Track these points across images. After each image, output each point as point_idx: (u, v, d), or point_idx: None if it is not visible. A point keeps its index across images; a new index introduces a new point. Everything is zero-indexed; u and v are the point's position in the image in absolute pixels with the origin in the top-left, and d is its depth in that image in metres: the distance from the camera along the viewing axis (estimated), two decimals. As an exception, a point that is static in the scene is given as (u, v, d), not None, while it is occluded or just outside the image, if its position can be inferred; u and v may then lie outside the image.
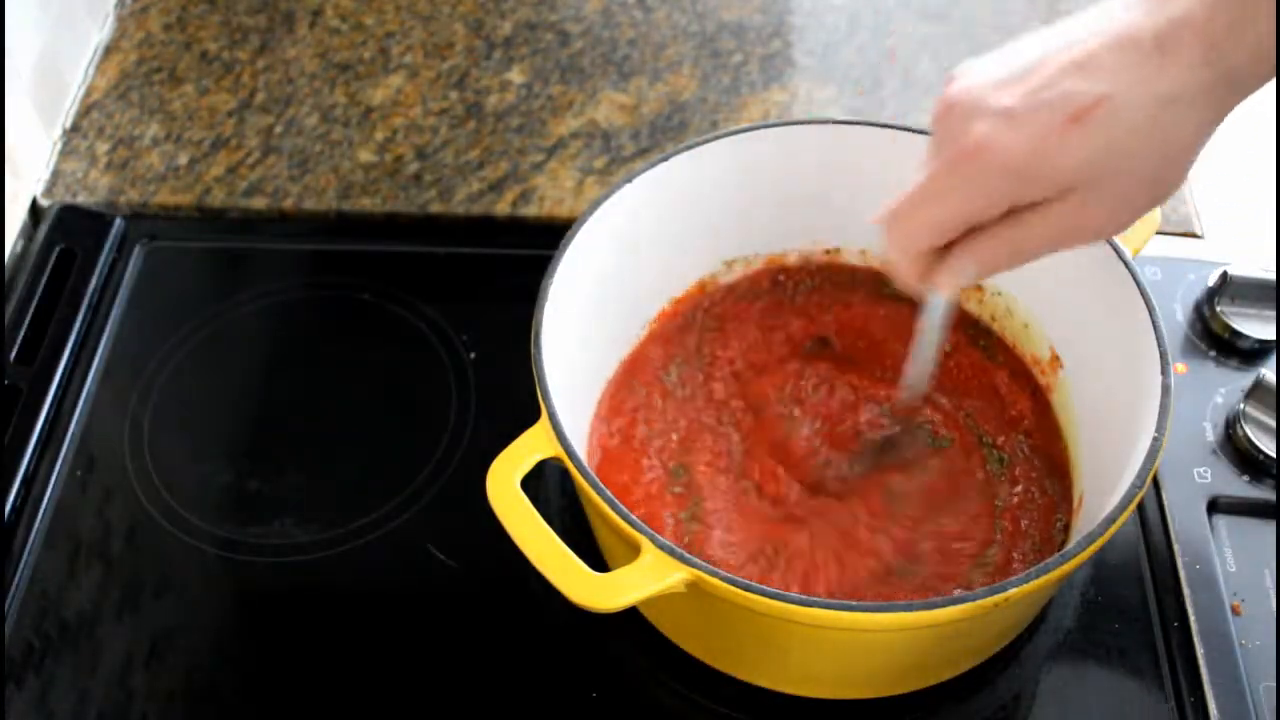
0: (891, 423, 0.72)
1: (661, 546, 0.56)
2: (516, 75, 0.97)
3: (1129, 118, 0.50)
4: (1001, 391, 0.74)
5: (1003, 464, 0.71)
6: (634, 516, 0.58)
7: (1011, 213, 0.53)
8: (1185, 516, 0.72)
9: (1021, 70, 0.52)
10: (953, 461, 0.71)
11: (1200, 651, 0.67)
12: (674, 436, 0.72)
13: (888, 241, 0.57)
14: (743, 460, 0.71)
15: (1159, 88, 0.50)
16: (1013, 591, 0.55)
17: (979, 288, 0.76)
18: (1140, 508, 0.73)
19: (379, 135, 0.93)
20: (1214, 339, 0.78)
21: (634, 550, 0.57)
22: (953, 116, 0.53)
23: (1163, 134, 0.51)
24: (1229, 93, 0.50)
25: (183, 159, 0.92)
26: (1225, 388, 0.76)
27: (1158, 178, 0.53)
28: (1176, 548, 0.71)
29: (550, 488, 0.75)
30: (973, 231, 0.54)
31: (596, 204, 0.69)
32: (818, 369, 0.75)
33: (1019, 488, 0.70)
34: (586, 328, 0.70)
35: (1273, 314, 0.78)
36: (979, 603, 0.55)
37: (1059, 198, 0.52)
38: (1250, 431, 0.73)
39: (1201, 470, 0.73)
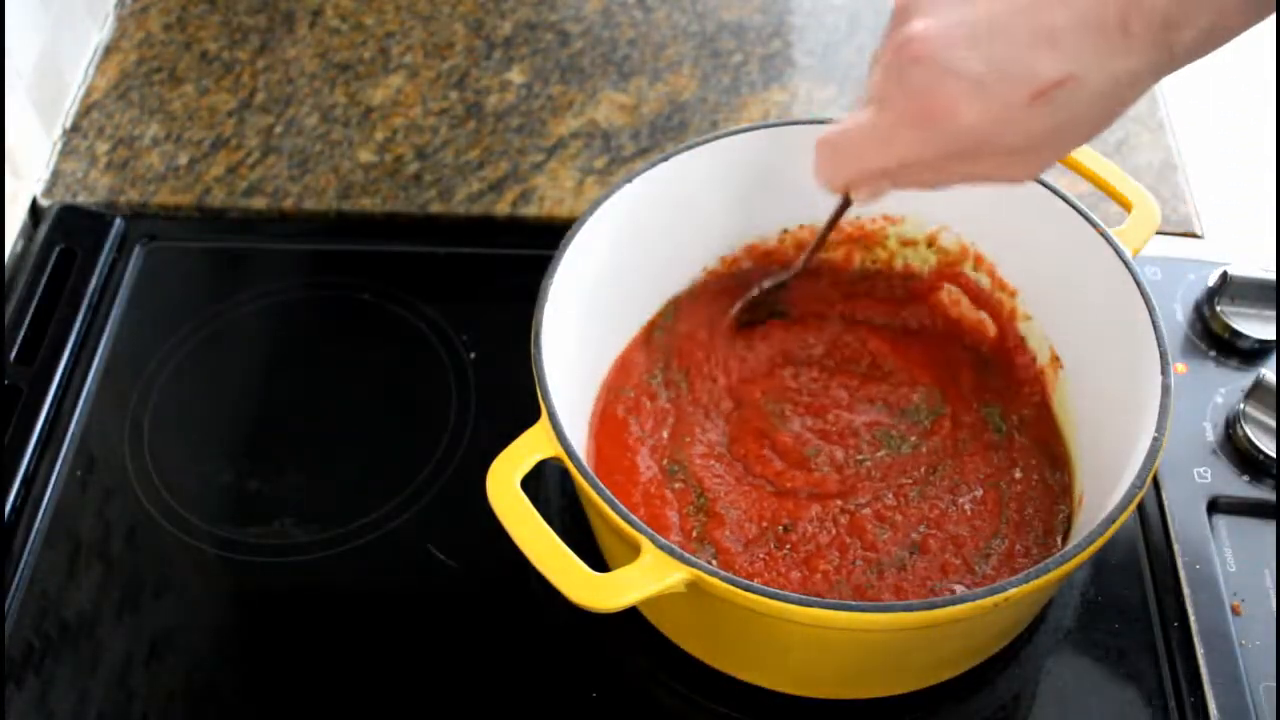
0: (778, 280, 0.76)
1: (661, 546, 0.56)
2: (516, 75, 0.97)
3: (1087, 96, 0.51)
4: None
5: (1002, 433, 0.72)
6: (634, 516, 0.58)
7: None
8: (1185, 516, 0.72)
9: (989, 28, 0.52)
10: (956, 434, 0.72)
11: (1200, 651, 0.67)
12: (664, 434, 0.72)
13: (820, 165, 0.59)
14: (730, 446, 0.72)
15: (1119, 68, 0.51)
16: (1012, 591, 0.55)
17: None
18: (1140, 508, 0.73)
19: (379, 135, 0.93)
20: (1214, 339, 0.78)
21: (634, 550, 0.57)
22: (918, 71, 0.53)
23: (1110, 109, 0.53)
24: (1169, 68, 0.52)
25: (183, 159, 0.92)
26: (1225, 388, 0.76)
27: (1087, 139, 0.55)
28: (1176, 548, 0.71)
29: (550, 488, 0.75)
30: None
31: (596, 204, 0.69)
32: (805, 368, 0.75)
33: (1019, 472, 0.70)
34: (586, 328, 0.70)
35: (1273, 314, 0.78)
36: (979, 603, 0.55)
37: (993, 155, 0.54)
38: (1250, 431, 0.73)
39: (1201, 470, 0.73)
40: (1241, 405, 0.74)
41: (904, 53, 0.53)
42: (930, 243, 0.77)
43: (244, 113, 0.95)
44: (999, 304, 0.75)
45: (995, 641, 0.67)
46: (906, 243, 0.78)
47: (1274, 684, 0.66)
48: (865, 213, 0.77)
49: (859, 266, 0.79)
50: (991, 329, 0.76)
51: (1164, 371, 0.62)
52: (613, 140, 0.93)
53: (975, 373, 0.75)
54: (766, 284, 0.75)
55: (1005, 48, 0.51)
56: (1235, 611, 0.68)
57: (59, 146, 0.93)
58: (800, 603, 0.55)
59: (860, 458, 0.71)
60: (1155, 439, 0.60)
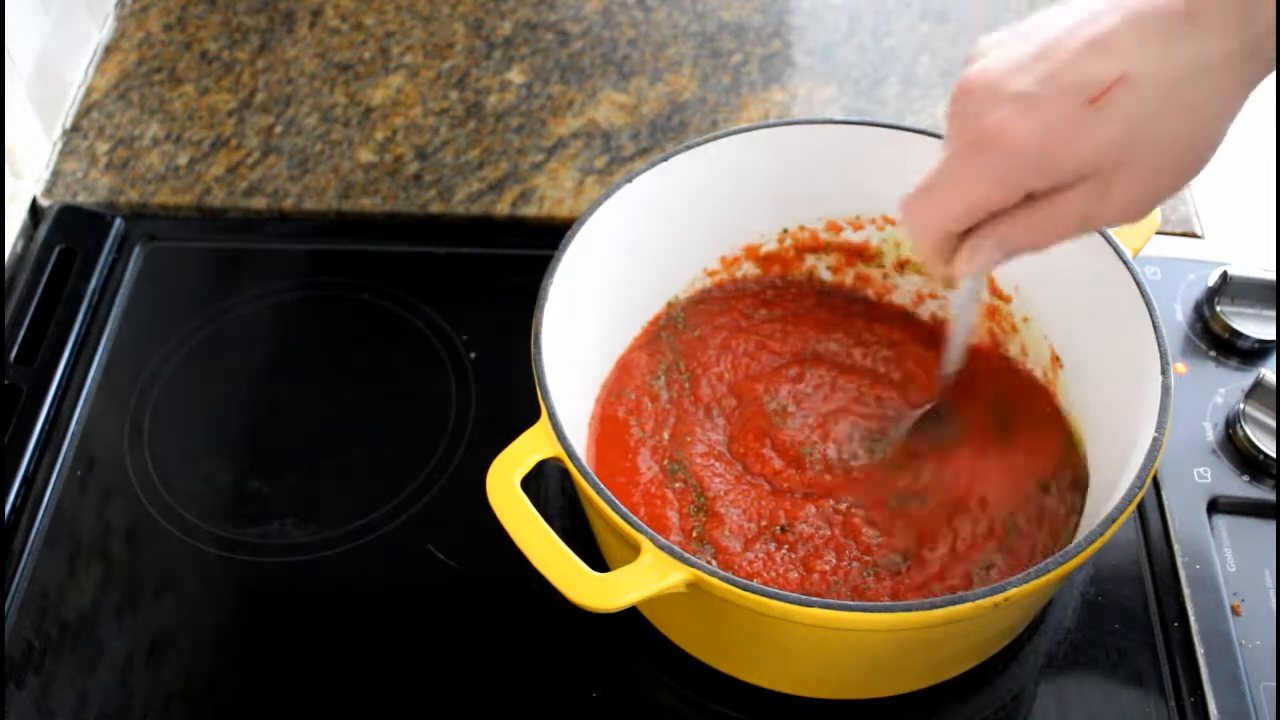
0: (925, 404, 0.72)
1: (661, 546, 0.56)
2: (516, 75, 0.97)
3: (1147, 96, 0.49)
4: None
5: (1007, 434, 0.71)
6: (634, 516, 0.58)
7: (1030, 198, 0.52)
8: (1185, 516, 0.72)
9: (1040, 50, 0.51)
10: (960, 435, 0.72)
11: (1200, 651, 0.67)
12: (665, 434, 0.72)
13: (908, 228, 0.56)
14: (729, 445, 0.72)
15: (1181, 61, 0.48)
16: (1013, 591, 0.55)
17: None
18: (1140, 508, 0.73)
19: (379, 135, 0.93)
20: (1214, 339, 0.78)
21: (634, 550, 0.57)
22: (970, 101, 0.52)
23: (1186, 110, 0.50)
24: (1253, 62, 0.49)
25: (183, 159, 0.92)
26: (1225, 388, 0.76)
27: (1178, 159, 0.51)
28: (1176, 548, 0.71)
29: (550, 488, 0.75)
30: (993, 216, 0.54)
31: (596, 204, 0.69)
32: (815, 369, 0.75)
33: (1033, 502, 0.70)
34: (586, 328, 0.70)
35: (1273, 314, 0.78)
36: (979, 603, 0.55)
37: (1079, 182, 0.51)
38: (1250, 431, 0.73)
39: (1201, 470, 0.73)
40: (1241, 405, 0.74)
41: (960, 86, 0.53)
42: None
43: (244, 113, 0.95)
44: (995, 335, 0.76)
45: (995, 641, 0.67)
46: (904, 262, 0.78)
47: (1274, 684, 0.66)
48: (864, 213, 0.77)
49: (860, 270, 0.79)
50: (988, 338, 0.76)
51: (1164, 371, 0.62)
52: (613, 140, 0.93)
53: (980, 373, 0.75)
54: (914, 415, 0.72)
55: (1056, 61, 0.50)
56: (1235, 611, 0.68)
57: (59, 146, 0.93)
58: (801, 603, 0.55)
59: (857, 460, 0.71)
60: (1155, 439, 0.60)
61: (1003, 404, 0.74)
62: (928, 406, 0.72)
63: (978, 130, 0.51)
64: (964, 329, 0.66)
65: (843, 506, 0.68)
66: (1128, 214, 0.53)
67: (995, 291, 0.75)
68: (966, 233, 0.55)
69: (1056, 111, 0.50)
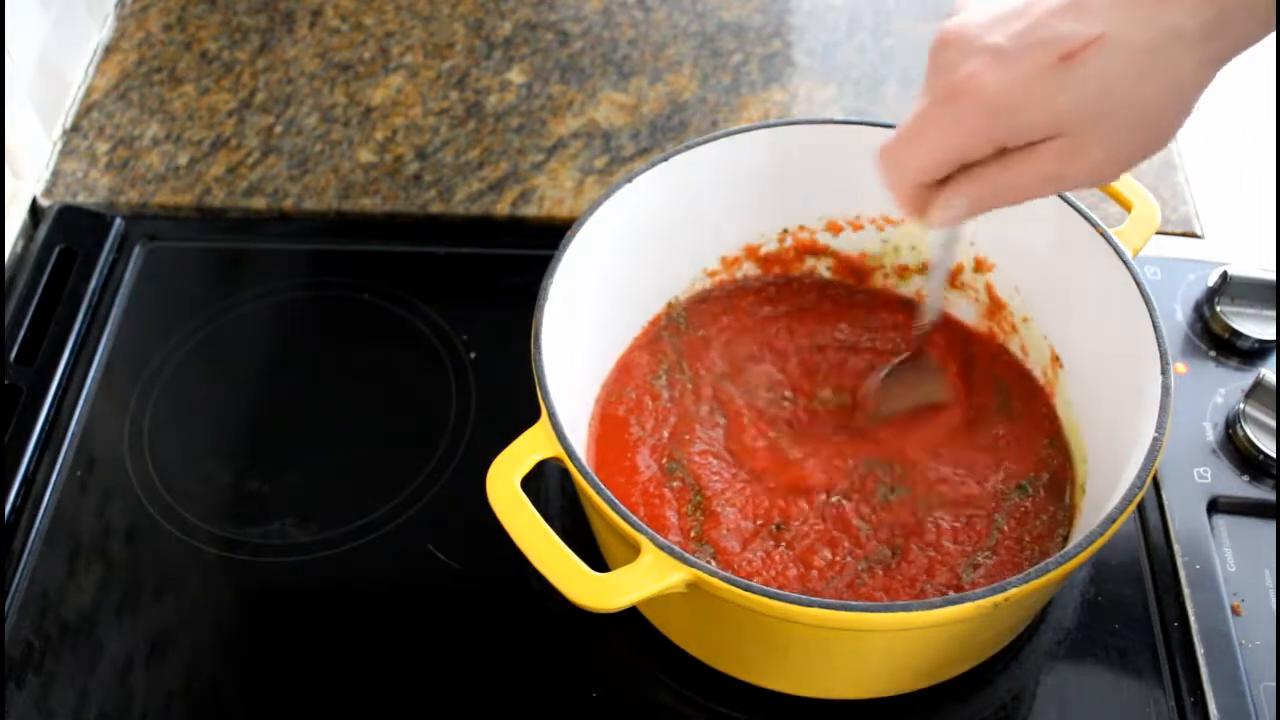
0: (903, 352, 0.73)
1: (661, 546, 0.56)
2: (516, 75, 0.97)
3: (1121, 59, 0.50)
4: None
5: (1004, 431, 0.72)
6: (634, 516, 0.58)
7: (1002, 153, 0.54)
8: (1185, 516, 0.72)
9: (1019, 7, 0.52)
10: (956, 430, 0.72)
11: (1200, 651, 0.67)
12: (665, 433, 0.72)
13: (882, 175, 0.57)
14: (726, 442, 0.72)
15: (1155, 28, 0.50)
16: (1013, 591, 0.55)
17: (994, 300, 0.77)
18: (1140, 508, 0.73)
19: (379, 135, 0.93)
20: (1214, 339, 0.78)
21: (634, 550, 0.57)
22: (946, 53, 0.53)
23: (1155, 77, 0.51)
24: (1222, 39, 0.50)
25: (183, 159, 0.92)
26: (1225, 388, 0.76)
27: (1148, 125, 0.53)
28: (1176, 548, 0.71)
29: (550, 488, 0.75)
30: (965, 168, 0.55)
31: (596, 204, 0.69)
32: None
33: (1027, 500, 0.70)
34: (586, 328, 0.70)
35: (1273, 314, 0.78)
36: (979, 603, 0.55)
37: (1049, 140, 0.52)
38: (1250, 431, 0.73)
39: (1201, 470, 0.73)
40: (1241, 405, 0.74)
41: (938, 38, 0.54)
42: (928, 266, 0.77)
43: (244, 113, 0.95)
44: (990, 333, 0.76)
45: (995, 641, 0.67)
46: (903, 268, 0.78)
47: (1274, 684, 0.66)
48: (864, 213, 0.77)
49: (860, 265, 0.79)
50: (988, 330, 0.76)
51: (1164, 371, 0.62)
52: (613, 140, 0.93)
53: (979, 369, 0.75)
54: (892, 363, 0.73)
55: (1032, 18, 0.51)
56: (1235, 611, 0.68)
57: (59, 146, 0.93)
58: (800, 603, 0.55)
59: (825, 402, 0.72)
60: (1155, 439, 0.60)
61: (1002, 391, 0.74)
62: (904, 356, 0.72)
63: (950, 82, 0.53)
64: (941, 274, 0.67)
65: (833, 499, 0.68)
66: (1095, 176, 0.54)
67: (993, 296, 0.75)
68: (941, 183, 0.56)
69: (1027, 66, 0.51)
